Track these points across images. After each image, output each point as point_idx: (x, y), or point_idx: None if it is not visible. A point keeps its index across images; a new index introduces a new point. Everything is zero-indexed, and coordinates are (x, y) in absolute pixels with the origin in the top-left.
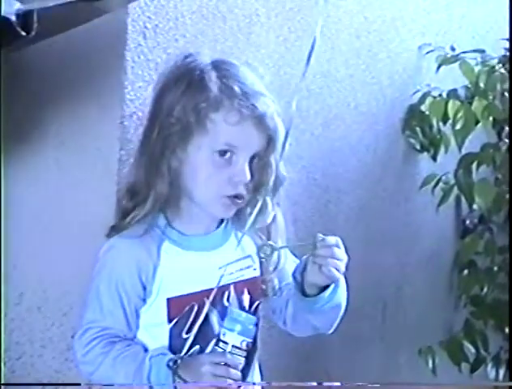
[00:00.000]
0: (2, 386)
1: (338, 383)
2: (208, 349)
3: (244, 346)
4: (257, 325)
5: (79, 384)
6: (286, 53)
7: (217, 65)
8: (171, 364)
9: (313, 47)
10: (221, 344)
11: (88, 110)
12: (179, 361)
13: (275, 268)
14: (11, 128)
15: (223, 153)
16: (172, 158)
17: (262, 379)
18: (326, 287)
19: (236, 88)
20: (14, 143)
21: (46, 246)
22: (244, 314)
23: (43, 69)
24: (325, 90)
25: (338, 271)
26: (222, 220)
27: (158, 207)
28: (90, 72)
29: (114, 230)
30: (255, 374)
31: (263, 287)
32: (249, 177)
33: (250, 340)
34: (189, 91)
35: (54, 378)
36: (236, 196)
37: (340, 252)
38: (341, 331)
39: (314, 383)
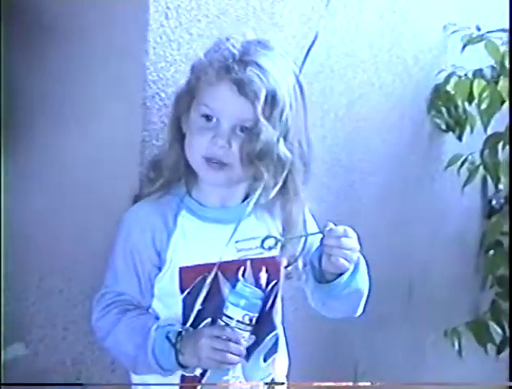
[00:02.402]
0: (2, 387)
1: (368, 383)
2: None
3: (246, 320)
4: (274, 300)
5: (81, 384)
6: (309, 32)
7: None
8: (170, 336)
9: (313, 42)
10: (225, 318)
11: (110, 92)
12: (183, 333)
13: (300, 253)
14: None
15: (206, 117)
16: (183, 125)
17: (289, 362)
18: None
19: (226, 52)
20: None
21: (67, 228)
22: (248, 289)
23: (62, 52)
24: (349, 70)
25: (347, 260)
26: (247, 196)
27: (177, 175)
28: (111, 53)
29: (137, 199)
30: (281, 356)
31: (288, 269)
32: (225, 139)
33: (254, 315)
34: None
35: (78, 360)
36: (213, 159)
37: (349, 241)
38: (367, 311)
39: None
